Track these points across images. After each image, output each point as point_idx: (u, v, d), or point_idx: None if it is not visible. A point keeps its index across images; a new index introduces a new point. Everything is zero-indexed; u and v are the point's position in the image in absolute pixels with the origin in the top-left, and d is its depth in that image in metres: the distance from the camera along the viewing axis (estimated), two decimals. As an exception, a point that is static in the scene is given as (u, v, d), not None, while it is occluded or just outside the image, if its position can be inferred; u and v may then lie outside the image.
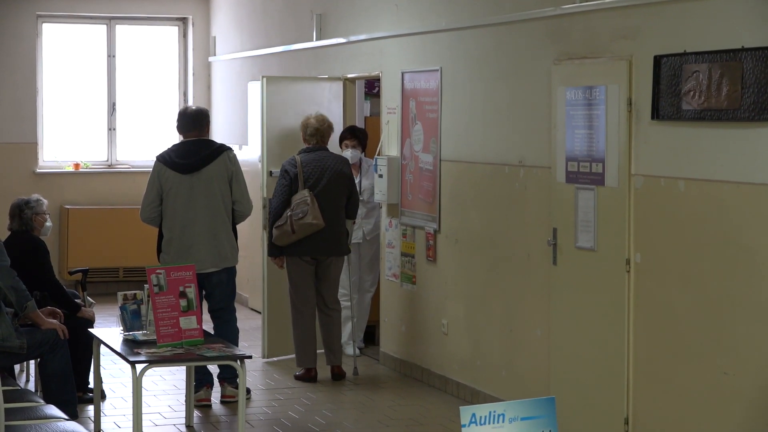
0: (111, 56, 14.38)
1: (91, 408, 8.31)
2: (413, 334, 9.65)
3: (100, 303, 10.36)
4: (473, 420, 3.90)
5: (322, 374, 9.59)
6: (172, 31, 14.74)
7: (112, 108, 14.39)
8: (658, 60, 6.72)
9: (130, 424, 7.38)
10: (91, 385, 8.43)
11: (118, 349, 7.29)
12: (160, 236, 8.80)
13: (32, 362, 9.04)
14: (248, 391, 8.95)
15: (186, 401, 8.32)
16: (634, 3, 6.97)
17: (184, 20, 14.66)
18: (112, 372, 9.66)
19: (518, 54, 8.21)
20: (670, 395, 6.76)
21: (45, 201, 8.91)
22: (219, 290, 8.80)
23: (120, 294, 7.71)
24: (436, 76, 9.18)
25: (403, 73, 9.70)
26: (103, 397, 8.71)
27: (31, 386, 9.02)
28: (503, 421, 3.93)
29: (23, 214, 8.73)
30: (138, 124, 14.54)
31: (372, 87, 11.37)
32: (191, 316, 7.26)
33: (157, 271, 7.27)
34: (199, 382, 8.70)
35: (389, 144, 9.97)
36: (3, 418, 6.35)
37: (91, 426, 7.95)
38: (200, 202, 8.69)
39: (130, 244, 13.68)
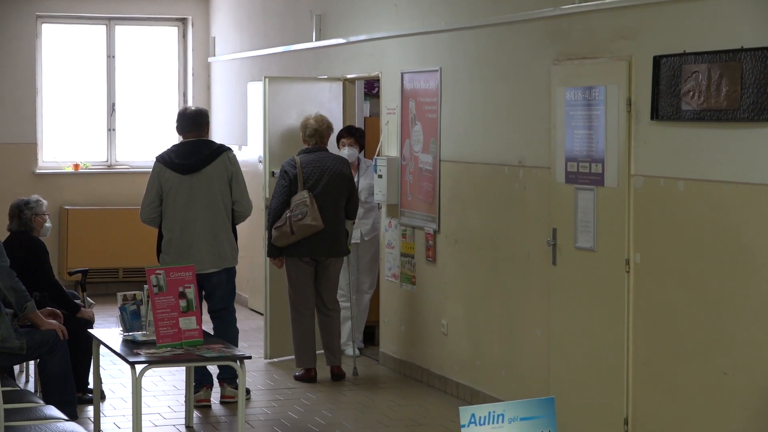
0: (110, 57, 14.38)
1: (90, 408, 8.31)
2: (413, 334, 9.65)
3: (99, 303, 10.36)
4: (473, 420, 3.90)
5: (322, 374, 9.59)
6: (172, 32, 14.74)
7: (111, 108, 14.39)
8: (657, 60, 6.72)
9: (130, 424, 7.37)
10: (91, 386, 8.43)
11: (118, 350, 7.28)
12: (160, 237, 8.80)
13: (32, 363, 9.04)
14: (248, 391, 8.95)
15: (186, 402, 8.32)
16: (633, 3, 6.97)
17: (183, 21, 14.67)
18: (112, 372, 9.66)
19: (518, 54, 8.21)
20: (669, 395, 6.76)
21: (45, 202, 8.91)
22: (219, 291, 8.80)
23: (119, 294, 7.70)
24: (436, 76, 9.18)
25: (402, 74, 9.70)
26: (102, 397, 8.71)
27: (31, 387, 9.02)
28: (503, 422, 3.93)
29: (23, 214, 8.73)
30: (137, 125, 14.54)
31: (372, 87, 11.37)
32: (191, 317, 7.26)
33: (157, 271, 7.27)
34: (198, 382, 8.70)
35: (389, 144, 9.97)
36: (2, 419, 6.35)
37: (91, 426, 7.95)
38: (200, 202, 8.69)
39: (129, 245, 13.68)
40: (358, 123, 10.98)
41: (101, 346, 7.71)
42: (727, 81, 6.22)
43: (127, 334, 7.60)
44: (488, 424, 3.91)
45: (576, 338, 7.53)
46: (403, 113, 9.69)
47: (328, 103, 10.50)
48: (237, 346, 8.82)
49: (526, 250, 8.09)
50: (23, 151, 13.96)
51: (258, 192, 10.80)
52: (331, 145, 9.91)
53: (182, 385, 8.88)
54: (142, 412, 7.14)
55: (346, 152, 10.09)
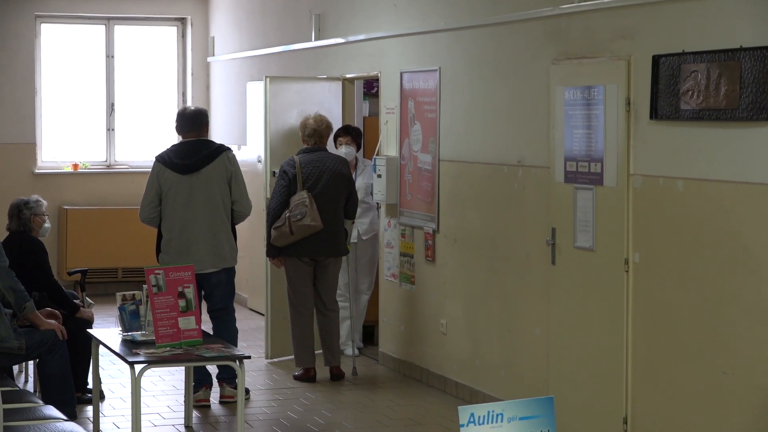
0: (110, 56, 14.38)
1: (90, 408, 8.31)
2: (412, 334, 9.65)
3: (98, 303, 10.35)
4: (472, 420, 3.90)
5: (321, 374, 9.58)
6: (171, 32, 14.73)
7: (110, 108, 14.39)
8: (656, 60, 6.72)
9: (129, 424, 7.38)
10: (90, 386, 8.43)
11: (117, 350, 7.28)
12: (159, 236, 8.79)
13: (31, 363, 9.05)
14: (247, 391, 8.95)
15: (185, 401, 8.32)
16: (632, 3, 6.97)
17: (182, 20, 14.66)
18: (111, 372, 9.66)
19: (517, 54, 8.21)
20: (668, 395, 6.76)
21: (44, 202, 8.91)
22: (218, 291, 8.80)
23: (119, 294, 7.70)
24: (435, 76, 9.18)
25: (401, 73, 9.70)
26: (102, 397, 8.70)
27: (30, 387, 9.02)
28: (502, 421, 3.93)
29: (22, 214, 8.73)
30: (137, 125, 14.53)
31: (371, 87, 11.37)
32: (190, 317, 7.26)
33: (156, 271, 7.26)
34: (198, 382, 8.70)
35: (388, 144, 9.97)
36: (2, 419, 6.35)
37: (90, 426, 7.95)
38: (199, 202, 8.69)
39: (128, 245, 13.68)
40: (357, 122, 10.98)
41: (100, 346, 7.71)
42: (725, 80, 6.22)
43: (126, 334, 7.60)
44: (487, 423, 3.91)
45: (575, 338, 7.53)
46: (403, 113, 9.69)
47: (327, 103, 10.50)
48: (236, 345, 8.81)
49: (526, 249, 8.09)
50: (22, 151, 13.96)
51: (257, 192, 10.81)
52: (329, 145, 9.91)
53: (181, 385, 8.88)
54: (142, 412, 7.14)
55: (343, 151, 10.08)
